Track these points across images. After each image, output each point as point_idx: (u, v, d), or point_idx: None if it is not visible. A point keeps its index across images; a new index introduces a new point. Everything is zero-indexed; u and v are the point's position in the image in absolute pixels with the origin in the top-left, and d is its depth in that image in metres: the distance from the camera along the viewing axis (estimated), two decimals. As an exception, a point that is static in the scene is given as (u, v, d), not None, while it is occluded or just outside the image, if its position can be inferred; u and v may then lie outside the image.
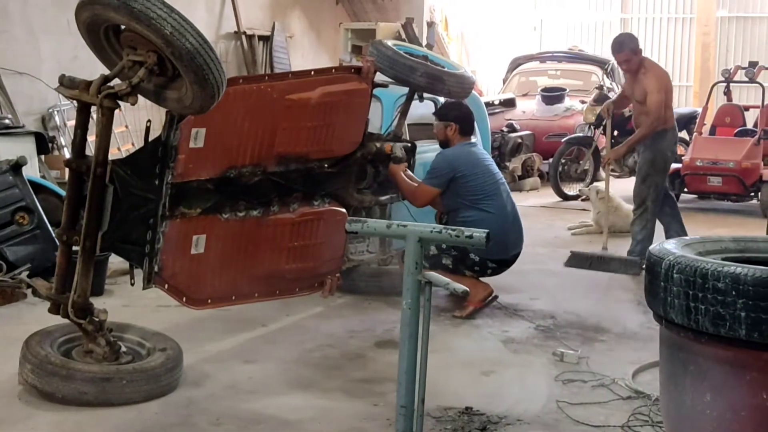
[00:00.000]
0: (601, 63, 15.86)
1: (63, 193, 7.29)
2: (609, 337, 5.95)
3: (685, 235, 7.65)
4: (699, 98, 17.61)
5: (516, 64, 16.66)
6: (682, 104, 18.68)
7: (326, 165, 5.81)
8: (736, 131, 12.14)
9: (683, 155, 12.27)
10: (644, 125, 7.82)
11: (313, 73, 5.66)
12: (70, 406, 4.44)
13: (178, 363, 4.84)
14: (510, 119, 14.04)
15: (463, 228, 2.71)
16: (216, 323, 5.90)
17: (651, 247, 2.85)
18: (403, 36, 15.26)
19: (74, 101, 4.75)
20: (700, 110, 13.01)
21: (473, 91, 7.36)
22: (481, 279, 6.49)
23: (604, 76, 15.32)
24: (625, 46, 7.82)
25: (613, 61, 16.28)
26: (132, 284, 4.96)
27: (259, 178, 5.39)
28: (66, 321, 4.75)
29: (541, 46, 18.26)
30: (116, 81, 4.52)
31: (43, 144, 8.80)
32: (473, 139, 6.70)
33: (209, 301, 5.31)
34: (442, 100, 7.47)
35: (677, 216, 8.24)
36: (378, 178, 6.35)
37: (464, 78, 6.80)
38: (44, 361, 4.54)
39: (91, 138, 4.66)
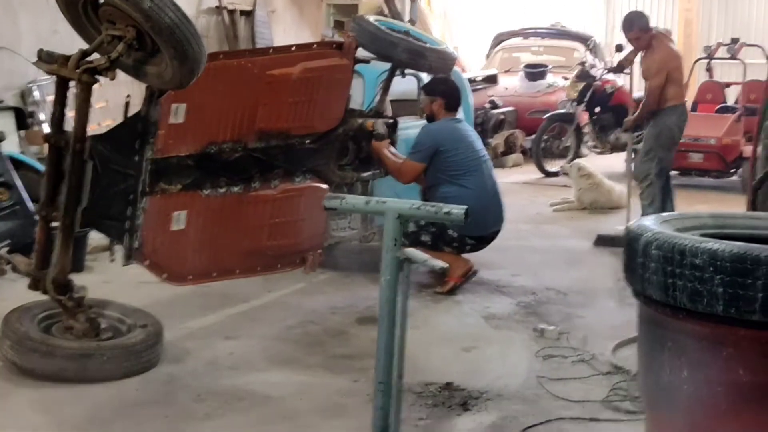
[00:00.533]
0: (583, 39, 15.87)
1: (43, 168, 7.26)
2: (589, 313, 5.97)
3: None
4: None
5: (499, 40, 16.64)
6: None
7: (307, 141, 5.79)
8: (717, 108, 12.19)
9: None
10: (640, 107, 7.90)
11: (294, 48, 5.64)
12: (50, 383, 4.43)
13: (158, 339, 4.83)
14: (492, 95, 14.03)
15: (441, 204, 2.70)
16: (197, 299, 5.88)
17: (629, 224, 2.86)
18: (386, 11, 15.18)
19: (53, 76, 4.71)
20: (681, 87, 13.01)
21: (456, 68, 7.34)
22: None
23: (587, 53, 15.32)
24: (635, 25, 7.92)
25: (594, 37, 16.35)
26: (112, 260, 4.96)
27: (239, 154, 5.36)
28: (46, 297, 4.73)
29: (524, 23, 18.20)
30: (95, 56, 4.48)
31: (23, 119, 8.71)
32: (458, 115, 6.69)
33: (190, 277, 5.30)
34: (424, 76, 7.46)
35: (669, 194, 8.25)
36: (360, 154, 6.34)
37: (446, 54, 6.77)
38: (24, 337, 4.52)
39: (71, 113, 4.62)
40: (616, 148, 13.05)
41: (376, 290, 6.19)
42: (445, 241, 6.35)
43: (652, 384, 2.79)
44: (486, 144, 12.50)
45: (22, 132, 8.80)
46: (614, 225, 8.92)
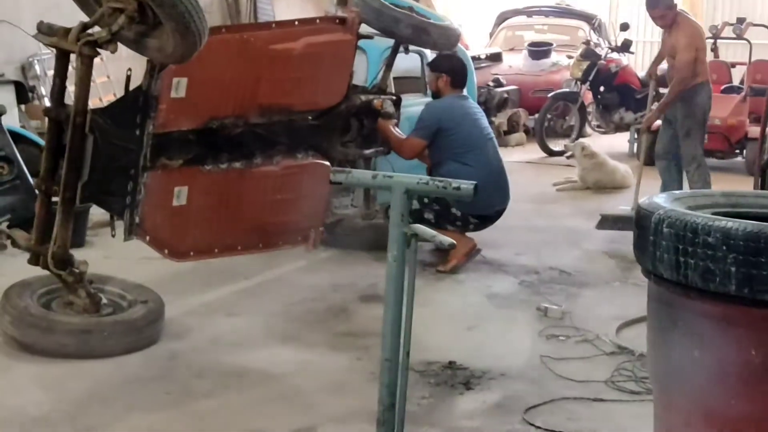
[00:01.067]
0: (588, 18, 15.75)
1: (43, 143, 7.21)
2: (593, 293, 5.94)
3: None
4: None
5: (503, 18, 16.52)
6: (668, 61, 18.57)
7: (310, 117, 5.73)
8: (722, 88, 12.08)
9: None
10: (671, 86, 7.78)
11: (297, 23, 5.57)
12: (51, 359, 4.40)
13: (159, 315, 4.81)
14: (496, 74, 13.94)
15: (450, 179, 2.65)
16: (198, 276, 5.85)
17: (640, 201, 2.81)
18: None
19: (53, 49, 4.65)
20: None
21: (459, 45, 7.27)
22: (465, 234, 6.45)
23: (591, 31, 15.21)
24: (660, 3, 7.80)
25: (599, 16, 16.23)
26: (113, 236, 4.91)
27: (241, 130, 5.31)
28: (46, 272, 4.69)
29: (527, 1, 18.07)
30: (96, 29, 4.42)
31: (23, 93, 8.66)
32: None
33: (191, 253, 5.26)
34: (428, 52, 7.40)
35: (681, 173, 8.17)
36: (362, 131, 6.28)
37: (450, 30, 6.70)
38: (24, 312, 4.49)
39: (71, 87, 4.56)
40: (620, 127, 13.01)
41: (378, 268, 6.23)
42: (449, 220, 6.30)
43: (662, 364, 2.75)
44: (489, 123, 12.47)
45: (23, 106, 8.76)
46: (618, 205, 8.89)
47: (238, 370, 4.44)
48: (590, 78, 12.50)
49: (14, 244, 5.01)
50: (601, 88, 12.81)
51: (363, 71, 6.95)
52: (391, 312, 2.79)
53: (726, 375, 2.51)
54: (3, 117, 6.86)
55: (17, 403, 3.97)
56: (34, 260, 4.69)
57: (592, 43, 13.65)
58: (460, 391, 4.25)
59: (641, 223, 2.65)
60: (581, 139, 11.05)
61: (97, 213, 6.56)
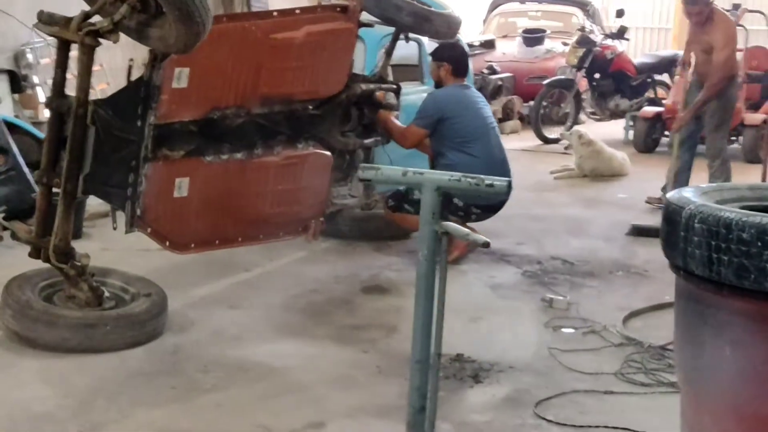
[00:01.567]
0: (582, 4, 15.68)
1: (37, 132, 7.12)
2: (596, 283, 5.91)
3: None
4: (678, 41, 17.46)
5: (496, 4, 16.43)
6: (662, 47, 18.55)
7: (310, 107, 5.67)
8: (717, 75, 12.03)
9: (664, 99, 12.21)
10: (709, 84, 7.55)
11: (298, 11, 5.49)
12: (53, 353, 4.34)
13: (163, 309, 4.75)
14: (490, 61, 13.89)
15: (483, 176, 2.59)
16: (199, 268, 5.78)
17: (669, 195, 2.76)
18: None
19: (52, 38, 4.58)
20: (681, 53, 12.89)
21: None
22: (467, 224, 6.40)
23: (585, 18, 15.16)
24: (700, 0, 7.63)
25: (593, 2, 16.16)
26: (114, 228, 4.85)
27: (242, 120, 5.24)
28: (46, 265, 4.63)
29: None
30: (97, 18, 4.35)
31: (17, 83, 8.55)
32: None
33: (192, 245, 5.19)
34: (426, 40, 7.33)
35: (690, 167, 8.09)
36: (362, 120, 6.22)
37: (451, 18, 6.63)
38: (26, 306, 4.43)
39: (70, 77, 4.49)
40: (615, 115, 12.98)
41: (380, 259, 6.19)
42: (451, 210, 6.23)
43: (690, 361, 2.70)
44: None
45: (16, 95, 8.65)
46: (616, 193, 8.89)
47: (242, 364, 4.38)
48: (586, 65, 12.47)
49: (13, 236, 4.94)
50: (597, 75, 12.77)
51: (361, 59, 6.88)
52: (422, 312, 2.73)
53: (758, 374, 2.47)
54: (-2, 107, 6.79)
55: (21, 398, 3.91)
56: (36, 253, 4.63)
57: (586, 30, 13.60)
58: (469, 384, 4.20)
59: (671, 218, 2.59)
60: (577, 127, 11.03)
61: (93, 204, 6.49)
